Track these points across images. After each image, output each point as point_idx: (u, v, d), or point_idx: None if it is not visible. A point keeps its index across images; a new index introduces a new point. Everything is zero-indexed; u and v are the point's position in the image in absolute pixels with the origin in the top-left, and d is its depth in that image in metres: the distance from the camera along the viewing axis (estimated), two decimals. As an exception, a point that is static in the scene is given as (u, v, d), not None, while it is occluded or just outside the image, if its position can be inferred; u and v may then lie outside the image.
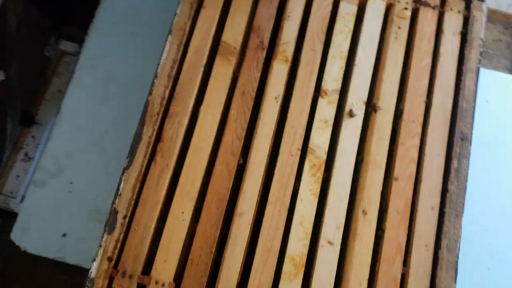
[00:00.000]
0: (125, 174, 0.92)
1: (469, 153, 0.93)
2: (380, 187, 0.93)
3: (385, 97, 0.98)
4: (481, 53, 1.00)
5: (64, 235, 1.15)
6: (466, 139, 0.94)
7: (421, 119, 0.97)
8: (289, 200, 0.91)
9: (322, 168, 0.94)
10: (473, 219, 1.18)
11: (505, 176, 1.20)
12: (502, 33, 1.74)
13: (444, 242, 0.88)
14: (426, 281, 0.87)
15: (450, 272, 0.87)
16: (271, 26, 1.03)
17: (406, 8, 1.03)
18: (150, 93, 0.98)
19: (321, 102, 0.98)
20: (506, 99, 1.28)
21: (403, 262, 0.89)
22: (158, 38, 1.26)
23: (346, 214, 0.91)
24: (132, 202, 0.91)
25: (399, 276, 0.88)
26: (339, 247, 0.89)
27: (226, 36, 1.02)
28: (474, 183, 1.19)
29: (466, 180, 0.92)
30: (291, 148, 0.94)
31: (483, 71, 1.36)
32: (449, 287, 0.86)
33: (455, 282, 0.86)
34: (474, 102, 0.96)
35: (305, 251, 0.88)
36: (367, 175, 0.93)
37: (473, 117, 0.96)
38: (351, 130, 0.96)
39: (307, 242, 0.89)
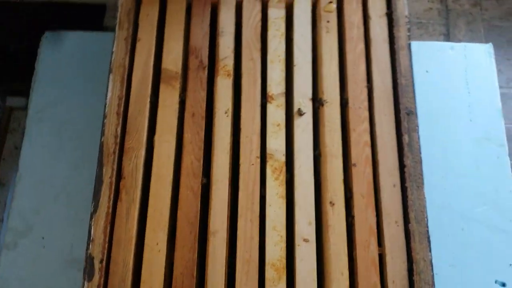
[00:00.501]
0: (93, 219, 0.92)
1: (417, 126, 0.98)
2: (341, 176, 0.96)
3: (328, 90, 1.01)
4: (409, 29, 1.05)
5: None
6: (412, 113, 0.99)
7: (366, 103, 1.01)
8: (258, 208, 0.93)
9: (284, 170, 0.96)
10: (438, 185, 1.23)
11: (454, 139, 1.26)
12: (431, 2, 1.83)
13: (411, 215, 0.92)
14: (403, 256, 0.91)
15: (424, 243, 0.90)
16: (207, 44, 1.06)
17: (331, 2, 1.08)
18: (102, 133, 0.98)
19: (270, 107, 1.00)
20: (445, 66, 1.34)
21: (378, 243, 0.92)
22: (103, 78, 1.26)
23: (315, 208, 0.94)
24: (106, 245, 0.91)
25: (377, 257, 0.91)
26: (314, 242, 0.91)
27: (166, 63, 1.03)
28: (429, 151, 1.25)
29: (420, 152, 0.96)
30: (250, 157, 0.97)
31: (419, 44, 1.42)
32: (425, 257, 0.90)
33: (430, 250, 0.90)
34: (412, 77, 1.01)
35: (283, 254, 0.90)
36: (327, 167, 0.96)
37: (413, 91, 1.00)
38: (303, 128, 0.99)
39: (283, 244, 0.91)
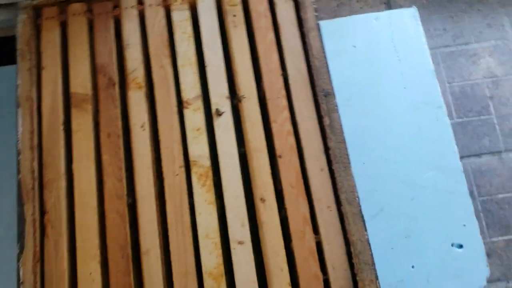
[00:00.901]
0: (20, 260, 0.89)
1: (336, 106, 0.95)
2: (269, 170, 0.94)
3: (244, 85, 0.99)
4: (315, 9, 1.03)
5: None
6: (329, 94, 0.96)
7: (283, 92, 0.98)
8: (189, 218, 0.91)
9: (210, 175, 0.94)
10: (381, 158, 1.22)
11: (390, 109, 1.24)
12: (369, -26, 1.81)
13: (342, 197, 0.90)
14: (340, 240, 0.89)
15: (358, 223, 0.89)
16: (115, 60, 1.02)
17: (234, -5, 1.05)
18: (18, 172, 0.94)
19: (187, 112, 0.98)
20: (371, 38, 1.32)
21: (313, 231, 0.90)
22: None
23: (247, 208, 0.91)
24: (38, 285, 0.88)
25: (314, 246, 0.89)
26: (250, 243, 0.89)
27: (74, 86, 1.00)
28: (367, 125, 1.23)
29: (342, 132, 0.94)
30: (174, 167, 0.94)
31: (345, 20, 1.40)
32: (362, 238, 0.88)
33: (365, 230, 0.88)
34: (325, 57, 0.99)
35: (220, 261, 0.88)
36: (253, 164, 0.94)
37: (328, 71, 0.98)
38: (224, 127, 0.96)
39: (219, 251, 0.88)
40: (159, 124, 0.97)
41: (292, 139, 0.95)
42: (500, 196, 1.86)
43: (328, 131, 0.94)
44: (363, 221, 0.88)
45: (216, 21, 1.04)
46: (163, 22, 1.04)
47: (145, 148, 0.95)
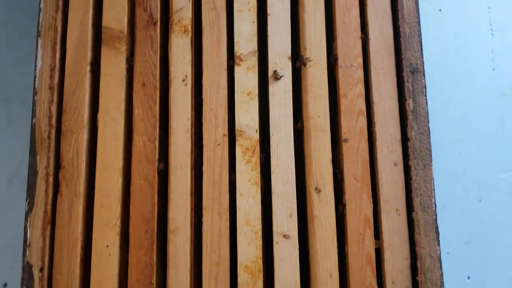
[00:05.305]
0: (29, 219, 0.77)
1: (425, 87, 0.77)
2: (329, 155, 0.77)
3: (312, 45, 0.80)
4: (415, -40, 0.81)
5: (5, 284, 1.02)
6: (418, 70, 0.78)
7: (360, 60, 0.79)
8: (228, 198, 0.76)
9: (258, 150, 0.78)
10: (451, 150, 1.04)
11: (473, 93, 1.05)
12: None
13: (416, 201, 0.74)
14: (405, 251, 0.74)
15: (431, 234, 0.73)
16: (159, -8, 0.84)
17: None
18: (33, 114, 0.80)
19: (238, 70, 0.80)
20: (463, 2, 1.09)
21: (374, 236, 0.75)
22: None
23: (298, 197, 0.76)
24: (47, 249, 0.76)
25: (373, 253, 0.74)
26: (297, 238, 0.74)
27: (107, 20, 0.83)
28: (442, 109, 1.04)
29: (428, 121, 0.76)
30: (215, 135, 0.78)
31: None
32: (432, 252, 0.73)
33: (438, 244, 0.73)
34: (418, 24, 0.79)
35: (259, 253, 0.74)
36: (311, 145, 0.77)
37: (420, 42, 0.78)
38: (281, 95, 0.79)
39: (259, 242, 0.75)
40: (204, 80, 0.80)
41: (363, 121, 0.77)
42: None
43: (410, 117, 0.76)
44: (437, 233, 0.73)
45: (288, -41, 0.83)
46: (222, -49, 0.84)
47: (185, 107, 0.79)
